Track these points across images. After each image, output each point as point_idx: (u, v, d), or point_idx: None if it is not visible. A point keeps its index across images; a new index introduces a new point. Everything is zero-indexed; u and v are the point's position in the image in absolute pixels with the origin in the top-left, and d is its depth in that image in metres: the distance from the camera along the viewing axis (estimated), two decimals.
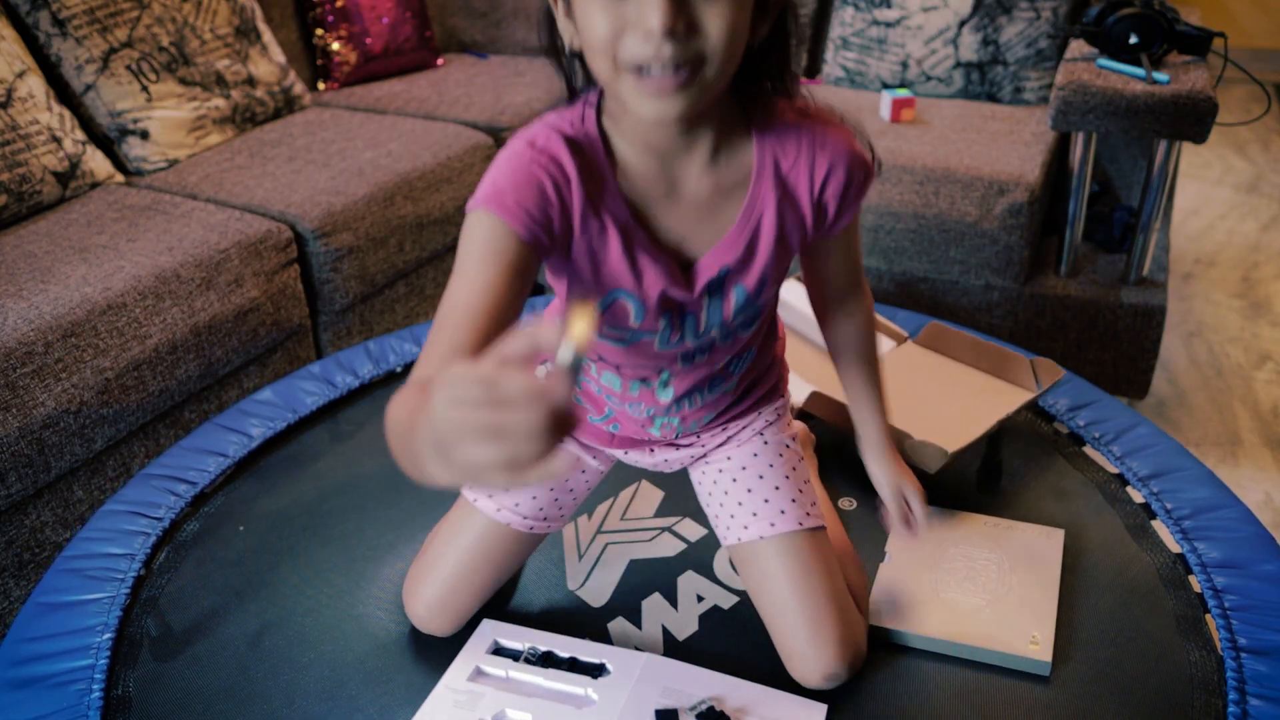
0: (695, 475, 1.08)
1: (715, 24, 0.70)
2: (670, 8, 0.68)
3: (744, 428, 1.03)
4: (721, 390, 0.97)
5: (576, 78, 0.83)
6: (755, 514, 0.99)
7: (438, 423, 0.45)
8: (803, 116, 0.84)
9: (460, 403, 0.44)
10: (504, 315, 0.72)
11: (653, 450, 1.04)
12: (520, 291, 0.75)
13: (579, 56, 0.79)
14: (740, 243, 0.84)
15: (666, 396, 0.95)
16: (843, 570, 1.02)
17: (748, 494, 1.00)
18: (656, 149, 0.81)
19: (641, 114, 0.74)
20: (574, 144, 0.79)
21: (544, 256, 0.79)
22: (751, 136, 0.83)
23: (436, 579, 1.02)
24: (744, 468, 1.01)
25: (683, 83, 0.71)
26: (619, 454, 1.06)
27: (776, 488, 1.00)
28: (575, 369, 0.44)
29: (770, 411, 1.04)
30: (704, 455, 1.05)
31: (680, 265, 0.85)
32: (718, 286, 0.86)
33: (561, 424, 0.44)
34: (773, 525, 0.98)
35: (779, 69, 0.82)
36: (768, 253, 0.85)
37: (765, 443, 1.02)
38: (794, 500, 1.00)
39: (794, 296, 1.58)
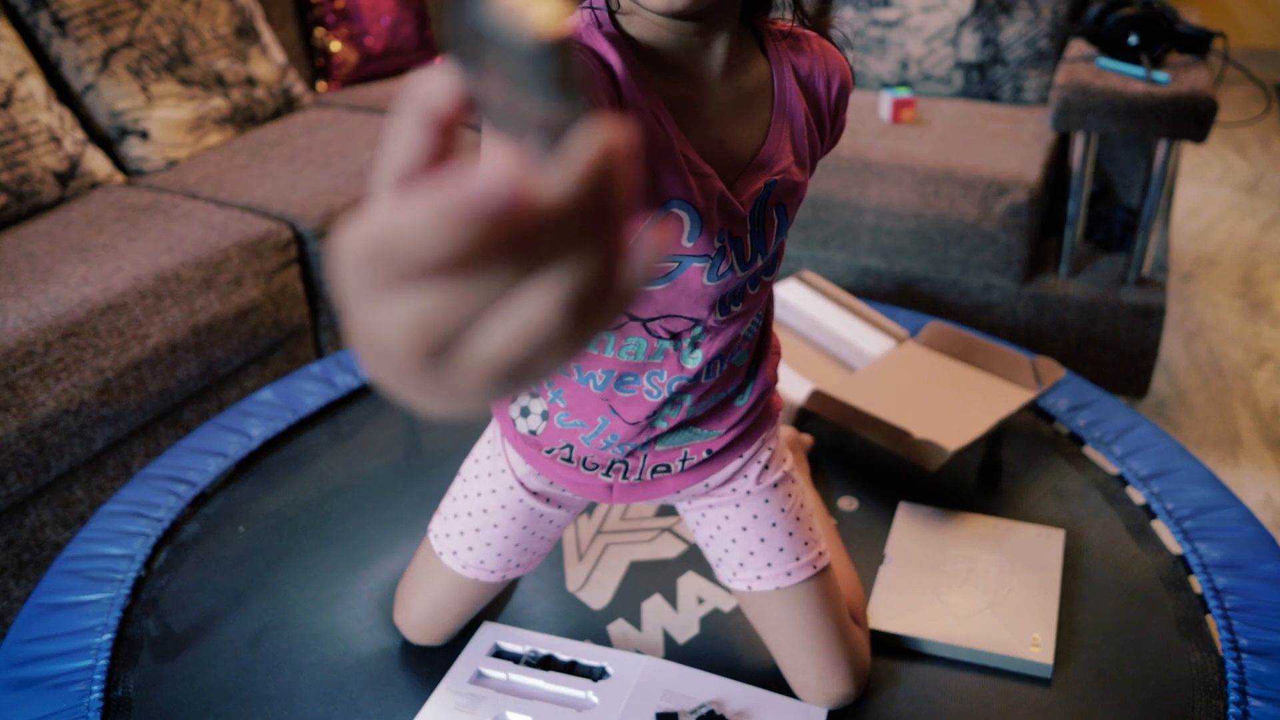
0: (692, 516, 1.00)
1: None
2: None
3: (739, 474, 0.96)
4: (734, 360, 0.89)
5: None
6: (770, 564, 0.95)
7: (376, 348, 0.28)
8: (800, 30, 0.84)
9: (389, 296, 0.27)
10: None
11: (647, 487, 0.95)
12: None
13: None
14: (780, 148, 0.81)
15: (693, 362, 0.85)
16: (840, 584, 1.00)
17: (760, 544, 0.95)
18: (674, 52, 0.77)
19: (650, 3, 0.71)
20: (608, 37, 0.74)
21: None
22: (760, 47, 0.82)
23: (418, 605, 1.02)
24: (755, 516, 0.96)
25: None
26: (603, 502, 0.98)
27: (790, 534, 0.95)
28: (559, 67, 0.26)
29: (764, 451, 0.97)
30: (704, 498, 0.98)
31: (733, 167, 0.80)
32: (761, 206, 0.81)
33: (614, 185, 0.27)
34: (789, 575, 0.94)
35: None
36: (805, 163, 0.83)
37: (773, 486, 0.96)
38: (806, 544, 0.96)
39: (794, 296, 1.58)
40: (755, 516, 0.95)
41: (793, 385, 1.35)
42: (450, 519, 0.99)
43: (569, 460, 0.92)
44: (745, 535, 0.95)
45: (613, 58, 0.73)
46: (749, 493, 0.95)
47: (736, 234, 0.80)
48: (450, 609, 1.01)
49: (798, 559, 0.95)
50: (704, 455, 0.92)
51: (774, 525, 0.95)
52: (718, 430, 0.91)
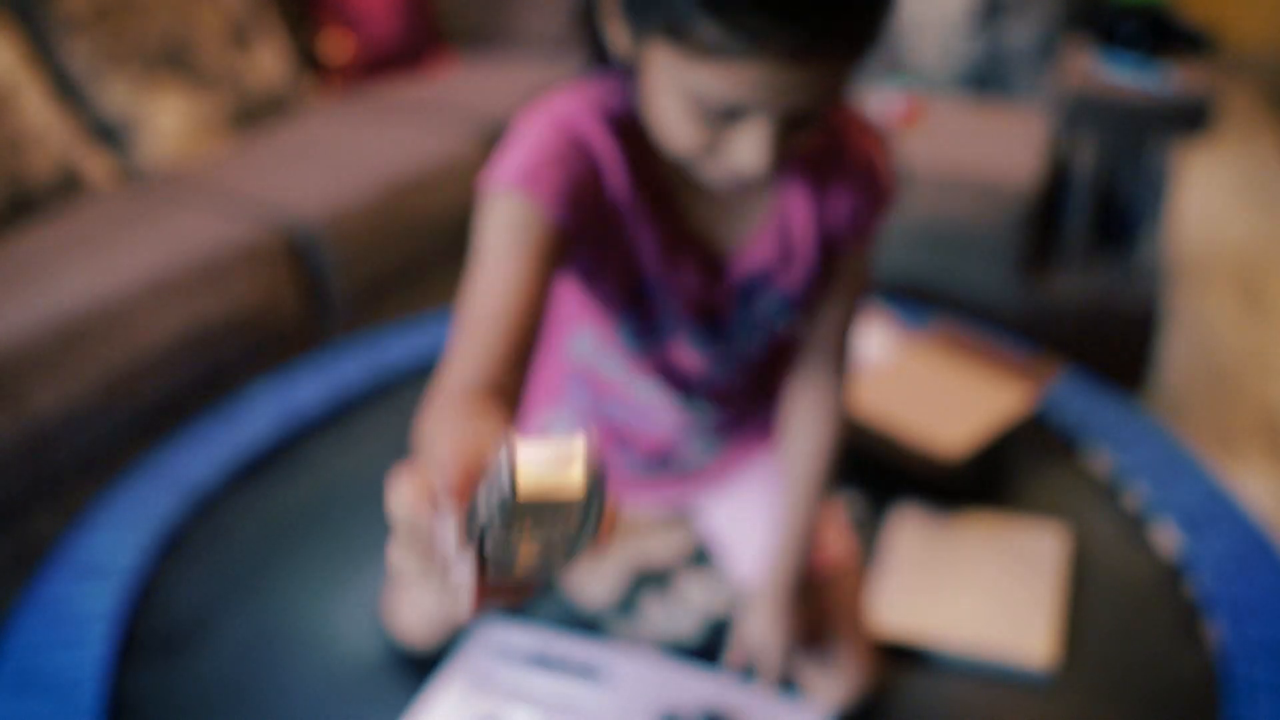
0: (709, 508, 1.04)
1: (798, 146, 0.67)
2: (773, 157, 0.64)
3: (759, 461, 1.00)
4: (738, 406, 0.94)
5: (609, 55, 0.72)
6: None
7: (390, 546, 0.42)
8: (839, 116, 0.79)
9: (396, 537, 0.41)
10: (535, 313, 0.63)
11: (672, 485, 1.01)
12: (549, 285, 0.66)
13: (623, 63, 0.71)
14: (772, 239, 0.79)
15: (699, 409, 0.91)
16: (847, 583, 1.00)
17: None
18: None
19: (706, 180, 0.71)
20: (608, 123, 0.72)
21: (573, 247, 0.70)
22: None
23: (404, 615, 1.01)
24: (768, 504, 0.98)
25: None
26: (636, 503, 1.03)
27: None
28: (507, 519, 0.35)
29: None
30: (721, 486, 1.02)
31: (711, 260, 0.80)
32: (755, 289, 0.81)
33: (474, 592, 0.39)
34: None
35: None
36: (809, 254, 0.80)
37: None
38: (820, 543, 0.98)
39: None
40: (768, 504, 0.97)
41: None
42: None
43: None
44: (765, 519, 0.97)
45: (607, 154, 0.71)
46: (766, 480, 0.99)
47: (723, 309, 0.82)
48: (436, 618, 1.00)
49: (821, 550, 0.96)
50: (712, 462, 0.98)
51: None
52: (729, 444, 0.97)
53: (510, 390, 0.57)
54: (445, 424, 0.50)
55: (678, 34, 0.60)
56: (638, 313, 0.81)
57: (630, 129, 0.73)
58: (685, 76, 0.62)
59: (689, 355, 0.85)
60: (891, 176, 0.80)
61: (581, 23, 0.72)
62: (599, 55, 0.73)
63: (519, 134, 0.72)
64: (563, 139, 0.70)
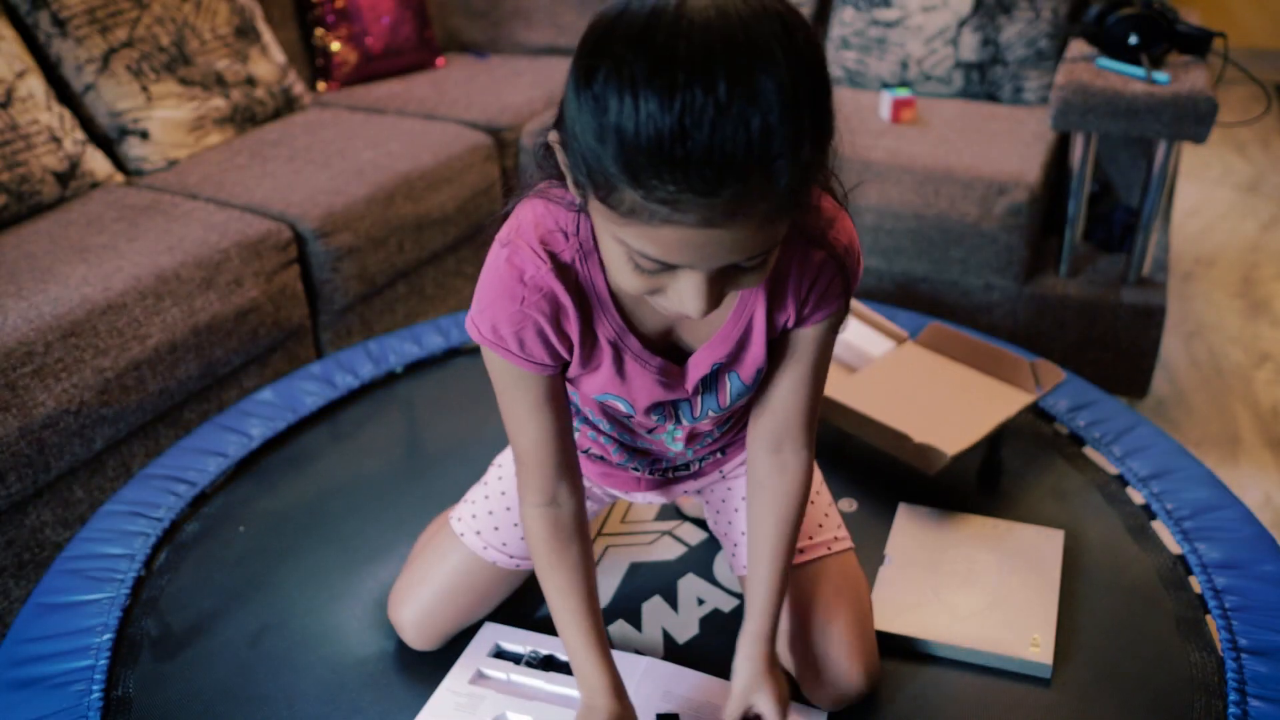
0: (715, 495, 1.06)
1: (750, 283, 0.69)
2: (711, 301, 0.66)
3: None
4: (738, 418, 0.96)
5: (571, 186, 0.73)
6: None
7: None
8: (809, 233, 0.79)
9: None
10: (560, 418, 0.84)
11: (673, 486, 1.03)
12: (562, 391, 0.84)
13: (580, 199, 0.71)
14: (731, 339, 0.82)
15: (677, 447, 0.95)
16: (848, 569, 1.01)
17: None
18: None
19: (658, 310, 0.73)
20: (563, 270, 0.76)
21: (561, 371, 0.83)
22: None
23: (418, 598, 1.02)
24: None
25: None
26: (643, 497, 1.05)
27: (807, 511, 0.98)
28: None
29: None
30: (723, 479, 1.04)
31: (672, 362, 0.84)
32: (711, 380, 0.85)
33: None
34: (801, 552, 0.97)
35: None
36: (761, 345, 0.83)
37: None
38: (820, 525, 1.00)
39: None
40: None
41: None
42: (480, 502, 1.03)
43: (602, 458, 0.99)
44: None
45: (564, 299, 0.77)
46: None
47: (684, 401, 0.87)
48: (455, 601, 1.01)
49: (810, 538, 0.98)
50: (718, 456, 1.01)
51: None
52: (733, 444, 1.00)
53: (571, 469, 0.87)
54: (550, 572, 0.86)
55: (605, 197, 0.63)
56: (604, 411, 0.90)
57: (590, 260, 0.77)
58: (618, 233, 0.65)
59: (660, 427, 0.91)
60: (854, 257, 0.81)
61: (541, 162, 0.76)
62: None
63: (485, 273, 0.79)
64: (525, 300, 0.77)
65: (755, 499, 0.92)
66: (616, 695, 0.86)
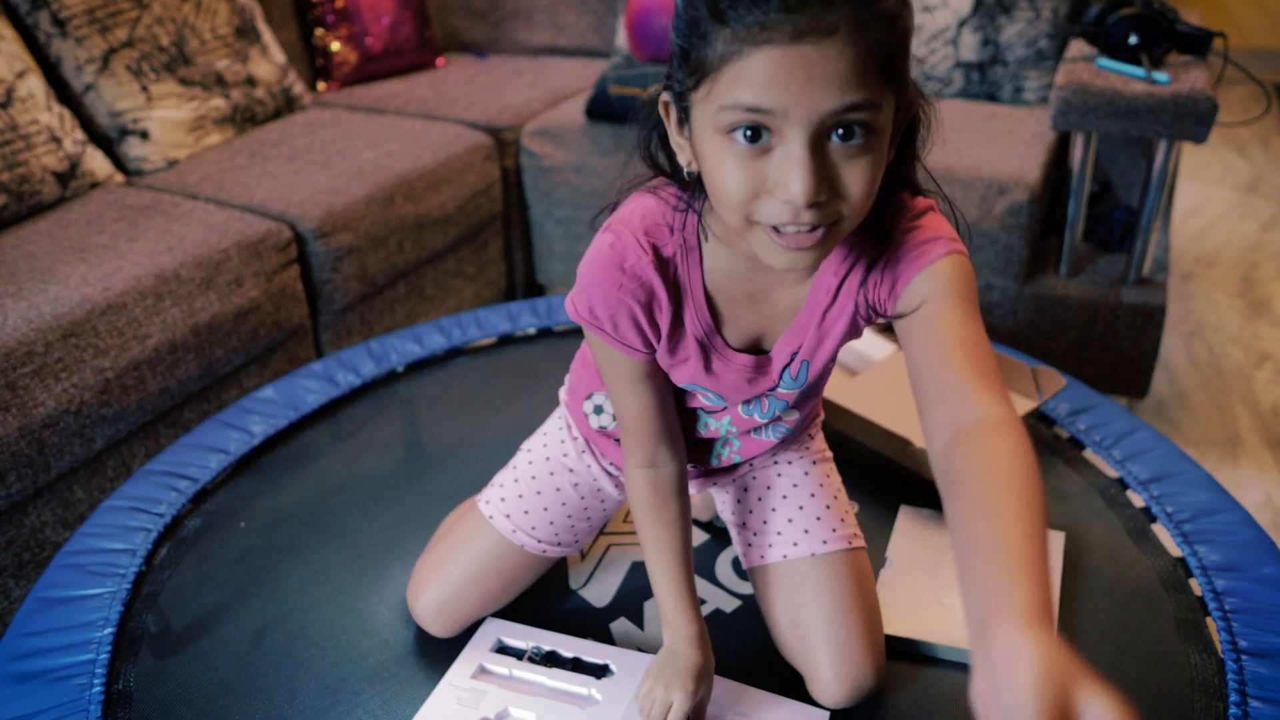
0: (737, 484, 1.05)
1: (856, 183, 0.66)
2: (814, 178, 0.64)
3: (790, 451, 1.03)
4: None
5: (685, 184, 0.78)
6: (807, 531, 0.98)
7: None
8: (904, 217, 0.79)
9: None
10: (663, 394, 0.88)
11: (706, 480, 1.03)
12: (659, 370, 0.87)
13: (696, 179, 0.74)
14: (810, 327, 0.83)
15: (725, 452, 0.98)
16: (863, 569, 1.01)
17: (799, 511, 0.99)
18: (755, 262, 0.77)
19: (770, 263, 0.71)
20: (663, 263, 0.80)
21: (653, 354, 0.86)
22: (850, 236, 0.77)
23: (442, 581, 1.02)
24: (795, 485, 1.01)
25: (819, 240, 0.68)
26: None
27: (827, 506, 1.00)
28: None
29: (805, 437, 1.03)
30: (751, 468, 1.04)
31: (754, 363, 0.86)
32: (793, 369, 0.87)
33: None
34: (825, 543, 0.98)
35: (900, 181, 0.79)
36: (838, 339, 0.83)
37: (813, 463, 1.02)
38: (843, 520, 1.00)
39: None
40: (795, 485, 1.01)
41: None
42: (509, 485, 1.04)
43: None
44: (785, 503, 1.00)
45: (659, 291, 0.80)
46: (790, 463, 1.02)
47: (767, 392, 0.89)
48: (479, 586, 1.02)
49: (834, 530, 0.99)
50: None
51: (813, 495, 1.00)
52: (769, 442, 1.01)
53: (672, 435, 0.90)
54: (648, 525, 0.91)
55: (703, 71, 0.64)
56: (690, 398, 0.92)
57: (691, 257, 0.80)
58: (716, 103, 0.65)
59: (729, 414, 0.93)
60: (940, 243, 0.77)
61: (647, 158, 0.79)
62: (670, 173, 0.80)
63: (588, 257, 0.81)
64: (623, 288, 0.79)
65: (967, 492, 0.64)
66: (699, 645, 0.90)
